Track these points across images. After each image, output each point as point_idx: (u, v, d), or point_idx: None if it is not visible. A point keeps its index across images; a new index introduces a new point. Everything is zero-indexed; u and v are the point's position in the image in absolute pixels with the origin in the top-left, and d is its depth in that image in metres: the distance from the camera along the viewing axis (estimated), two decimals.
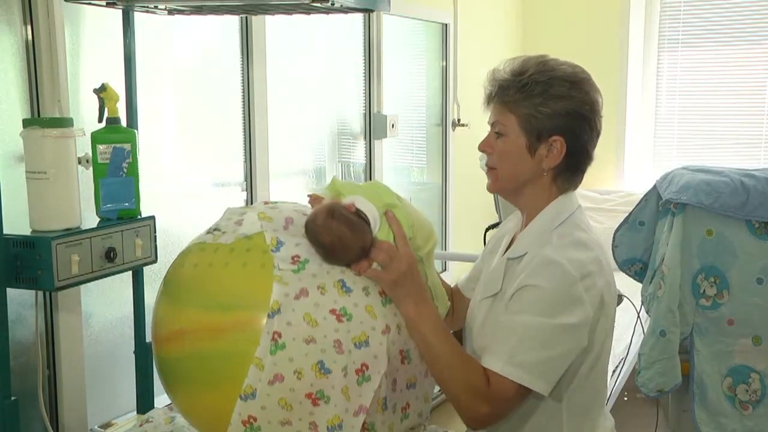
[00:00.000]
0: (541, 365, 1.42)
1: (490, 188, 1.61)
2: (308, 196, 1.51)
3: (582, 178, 1.60)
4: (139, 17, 2.01)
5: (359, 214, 1.43)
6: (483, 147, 1.58)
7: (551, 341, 1.42)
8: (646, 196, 2.73)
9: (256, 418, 1.36)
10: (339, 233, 1.39)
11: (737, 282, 2.49)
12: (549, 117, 1.49)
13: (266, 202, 1.53)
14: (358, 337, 1.36)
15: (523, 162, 1.53)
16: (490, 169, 1.58)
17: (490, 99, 1.56)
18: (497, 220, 2.72)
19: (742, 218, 2.46)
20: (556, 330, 1.42)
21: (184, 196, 2.52)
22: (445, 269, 4.30)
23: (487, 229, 2.72)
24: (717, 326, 2.54)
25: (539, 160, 1.52)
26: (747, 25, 4.86)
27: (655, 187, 2.71)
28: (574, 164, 1.55)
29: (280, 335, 1.34)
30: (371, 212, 1.44)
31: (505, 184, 1.58)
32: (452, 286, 1.83)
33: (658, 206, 2.65)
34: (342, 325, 1.36)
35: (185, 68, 2.57)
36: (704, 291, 2.53)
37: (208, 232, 1.49)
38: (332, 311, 1.36)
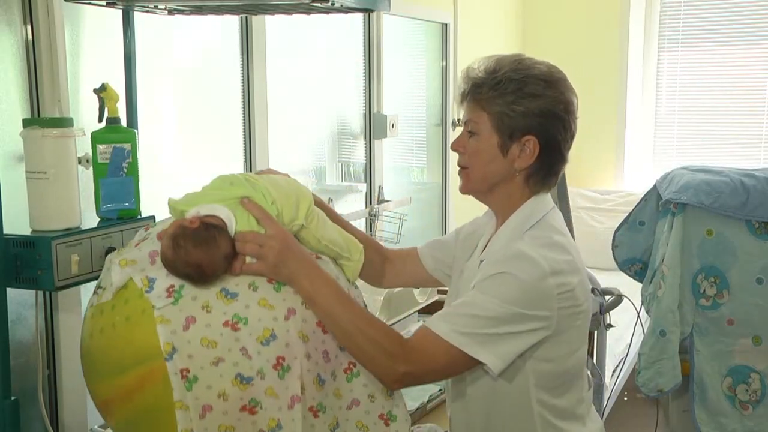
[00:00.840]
0: (487, 338, 1.40)
1: (462, 189, 1.57)
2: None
3: (556, 181, 1.56)
4: (139, 17, 2.01)
5: (207, 222, 1.38)
6: (455, 146, 1.55)
7: (505, 322, 1.40)
8: (646, 196, 2.74)
9: None
10: (193, 259, 1.35)
11: (737, 282, 2.49)
12: (522, 115, 1.47)
13: (146, 228, 1.53)
14: (261, 336, 1.35)
15: (495, 162, 1.50)
16: (462, 169, 1.55)
17: (464, 97, 1.53)
18: None
19: (742, 218, 2.47)
20: (516, 317, 1.40)
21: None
22: None
23: None
24: (717, 326, 2.54)
25: (512, 160, 1.50)
26: (747, 25, 4.86)
27: (655, 187, 2.72)
28: (548, 165, 1.52)
29: (188, 370, 1.33)
30: (220, 212, 1.39)
31: (477, 185, 1.55)
32: (415, 248, 1.81)
33: (658, 206, 2.66)
34: (240, 332, 1.35)
35: (185, 68, 2.57)
36: (704, 291, 2.54)
37: (95, 291, 1.48)
38: (226, 323, 1.35)
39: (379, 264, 1.77)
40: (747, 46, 4.89)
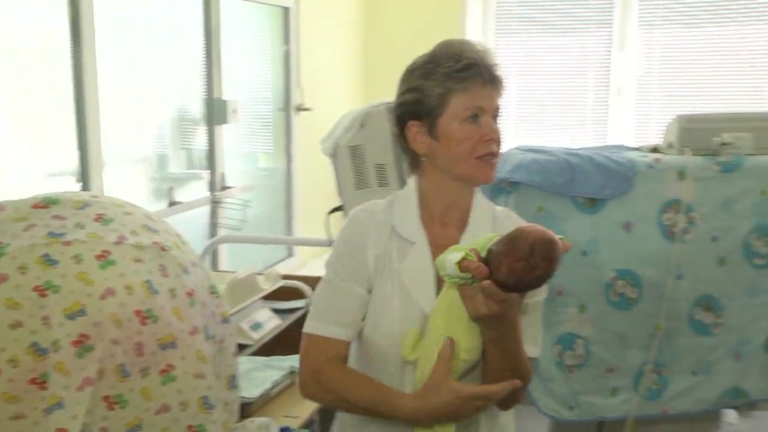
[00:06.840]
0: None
1: (493, 178, 1.61)
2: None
3: None
4: None
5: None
6: (497, 135, 1.58)
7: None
8: None
9: None
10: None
11: (565, 254, 2.64)
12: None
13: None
14: (70, 308, 1.31)
15: None
16: (495, 157, 1.59)
17: (494, 81, 1.59)
18: (340, 204, 2.73)
19: (567, 195, 2.63)
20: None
21: (15, 187, 2.40)
22: (291, 254, 4.31)
23: (329, 212, 2.72)
24: (548, 297, 2.69)
25: None
26: (588, 11, 5.13)
27: None
28: None
29: None
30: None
31: None
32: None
33: (493, 185, 2.77)
34: (46, 299, 1.31)
35: (8, 49, 2.44)
36: None
37: None
38: (35, 288, 1.31)
39: None
40: (575, 33, 5.17)
